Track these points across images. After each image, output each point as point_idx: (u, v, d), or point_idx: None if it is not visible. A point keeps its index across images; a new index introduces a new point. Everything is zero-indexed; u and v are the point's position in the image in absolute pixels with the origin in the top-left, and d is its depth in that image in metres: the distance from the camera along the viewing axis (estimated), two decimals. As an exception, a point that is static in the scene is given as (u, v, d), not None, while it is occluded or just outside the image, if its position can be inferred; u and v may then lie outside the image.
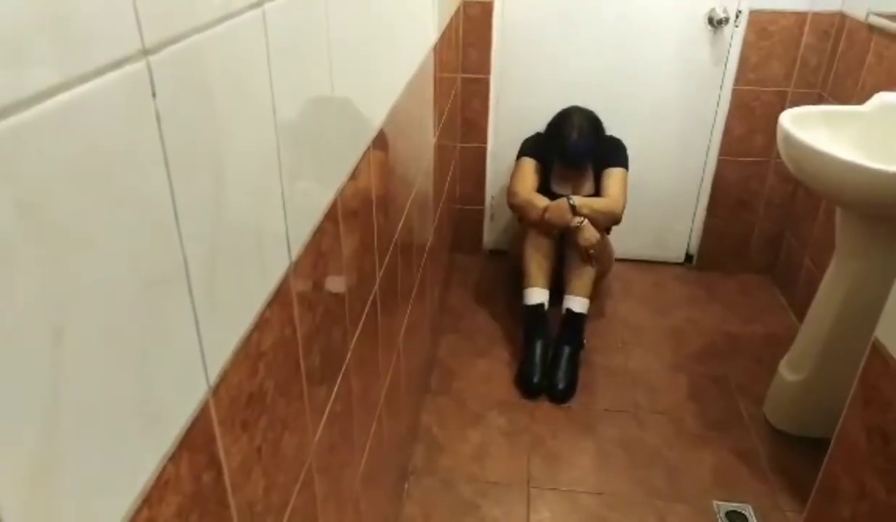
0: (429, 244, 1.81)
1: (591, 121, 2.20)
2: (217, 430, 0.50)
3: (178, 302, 0.44)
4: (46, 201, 0.32)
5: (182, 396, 0.45)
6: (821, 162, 1.46)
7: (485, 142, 2.56)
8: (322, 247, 0.76)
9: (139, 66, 0.38)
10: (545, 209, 2.12)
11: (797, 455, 1.82)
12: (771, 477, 1.76)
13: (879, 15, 1.95)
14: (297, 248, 0.68)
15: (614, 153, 2.26)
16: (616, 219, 2.19)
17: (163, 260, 0.42)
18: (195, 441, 0.47)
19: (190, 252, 0.45)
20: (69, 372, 0.34)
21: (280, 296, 0.63)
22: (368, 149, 0.96)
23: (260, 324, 0.58)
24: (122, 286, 0.38)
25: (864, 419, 0.93)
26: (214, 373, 0.50)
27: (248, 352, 0.56)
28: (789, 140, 1.55)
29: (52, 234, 0.32)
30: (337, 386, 0.88)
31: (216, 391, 0.50)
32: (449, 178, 2.25)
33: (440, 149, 1.91)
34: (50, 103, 0.32)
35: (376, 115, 1.02)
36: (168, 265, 0.43)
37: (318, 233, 0.74)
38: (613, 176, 2.21)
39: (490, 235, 2.77)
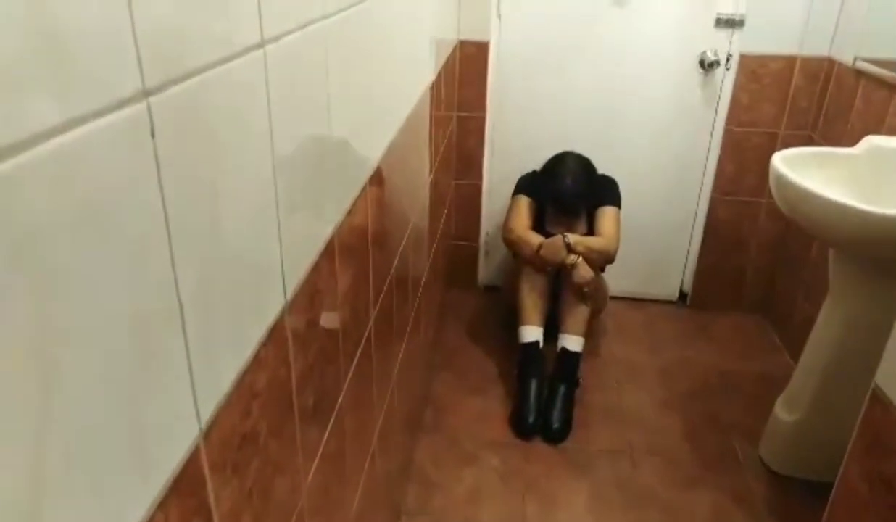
0: (423, 280, 1.80)
1: (583, 166, 2.23)
2: (207, 474, 0.49)
3: (172, 344, 0.44)
4: (40, 245, 0.31)
5: (173, 440, 0.44)
6: (814, 203, 1.47)
7: (480, 179, 2.58)
8: (318, 285, 0.76)
9: (139, 106, 0.38)
10: (539, 246, 2.12)
11: (794, 497, 1.80)
12: (767, 520, 1.73)
13: (866, 60, 2.00)
14: (292, 287, 0.67)
15: (607, 192, 2.27)
16: (610, 259, 2.19)
17: (157, 302, 0.42)
18: (185, 486, 0.46)
19: (185, 293, 0.44)
20: (57, 419, 0.33)
21: (275, 335, 0.62)
22: (366, 186, 0.96)
23: (254, 365, 0.57)
24: (115, 330, 0.37)
25: (865, 466, 0.91)
26: (207, 416, 0.49)
27: (242, 394, 0.55)
28: (782, 181, 1.56)
29: (44, 279, 0.32)
30: (330, 425, 0.87)
31: (208, 434, 0.49)
32: (444, 214, 2.26)
33: (436, 185, 1.92)
34: (48, 145, 0.31)
35: (374, 153, 1.02)
36: (163, 307, 0.42)
37: (315, 270, 0.74)
38: (607, 215, 2.22)
39: (485, 271, 2.77)
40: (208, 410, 0.49)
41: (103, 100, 0.35)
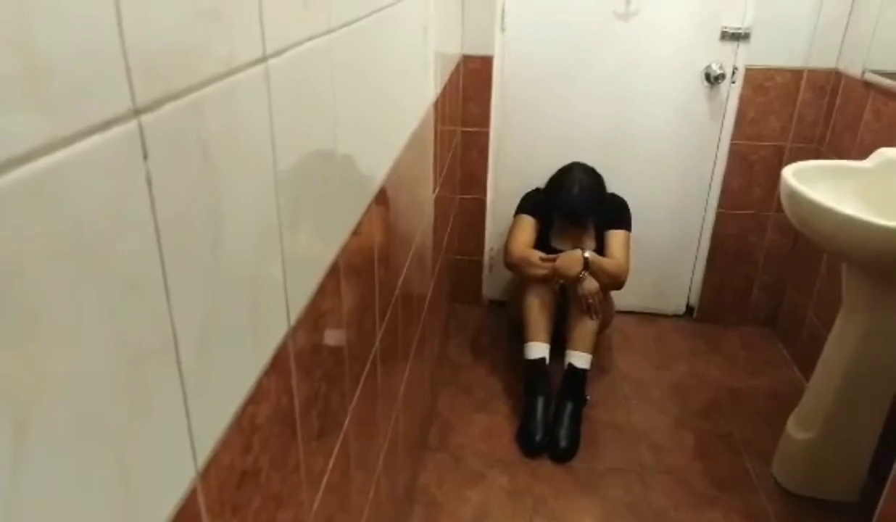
0: (428, 296, 1.77)
1: (592, 177, 2.19)
2: (204, 518, 0.46)
3: (165, 381, 0.40)
4: (16, 278, 0.28)
5: (166, 485, 0.41)
6: (826, 217, 1.44)
7: (484, 194, 2.55)
8: (322, 309, 0.73)
9: (130, 126, 0.35)
10: (555, 258, 2.08)
11: (809, 517, 1.75)
12: (783, 542, 1.69)
13: (876, 72, 1.97)
14: (296, 312, 0.64)
15: (618, 214, 2.24)
16: (620, 284, 2.15)
17: (149, 336, 0.38)
18: (180, 534, 0.42)
19: (180, 325, 0.41)
20: (33, 472, 0.30)
21: (277, 364, 0.59)
22: (370, 205, 0.93)
23: (255, 396, 0.54)
24: (101, 368, 0.34)
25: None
26: (204, 456, 0.45)
27: (242, 428, 0.52)
28: (794, 195, 1.53)
29: (21, 316, 0.29)
30: (335, 453, 0.83)
31: (205, 475, 0.45)
32: (448, 229, 2.23)
33: (440, 201, 1.89)
34: (27, 169, 0.28)
35: (378, 171, 0.99)
36: (155, 341, 0.39)
37: (319, 294, 0.71)
38: (618, 239, 2.18)
39: (489, 286, 2.74)
40: (206, 449, 0.46)
41: (88, 119, 0.32)
